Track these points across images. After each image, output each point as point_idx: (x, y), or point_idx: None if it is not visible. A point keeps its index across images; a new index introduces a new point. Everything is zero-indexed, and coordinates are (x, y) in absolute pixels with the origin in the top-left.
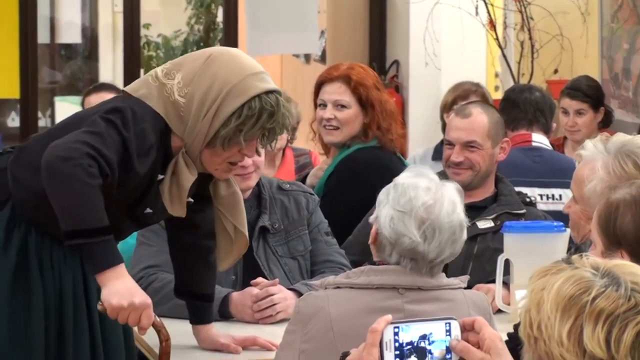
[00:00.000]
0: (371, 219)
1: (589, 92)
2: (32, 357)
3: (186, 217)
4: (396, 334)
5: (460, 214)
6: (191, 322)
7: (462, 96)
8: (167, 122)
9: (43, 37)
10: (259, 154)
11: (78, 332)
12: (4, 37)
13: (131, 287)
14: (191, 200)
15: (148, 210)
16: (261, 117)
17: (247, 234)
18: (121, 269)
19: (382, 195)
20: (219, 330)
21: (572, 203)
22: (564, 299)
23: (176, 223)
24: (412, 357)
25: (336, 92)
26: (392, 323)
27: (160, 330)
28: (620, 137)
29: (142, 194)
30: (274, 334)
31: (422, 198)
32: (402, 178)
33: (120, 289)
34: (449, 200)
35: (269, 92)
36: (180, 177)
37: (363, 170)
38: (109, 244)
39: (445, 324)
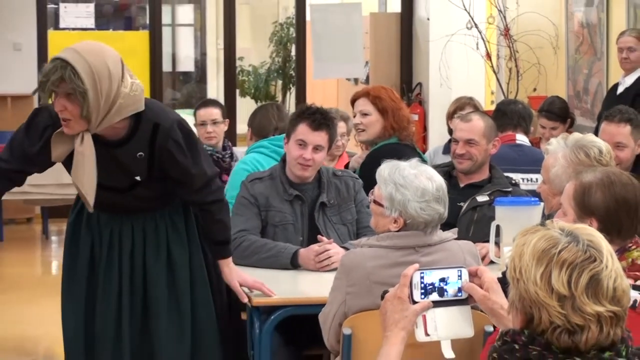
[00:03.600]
0: (394, 214)
1: (560, 114)
2: (77, 285)
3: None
4: (422, 277)
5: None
6: (215, 259)
7: (460, 107)
8: None
9: (166, 66)
10: (66, 113)
11: (111, 276)
12: (139, 66)
13: None
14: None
15: None
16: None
17: (83, 190)
18: None
19: (398, 196)
20: (288, 276)
21: (542, 184)
22: (538, 251)
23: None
24: (434, 294)
25: (360, 104)
26: (419, 270)
27: None
28: (576, 135)
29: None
30: (329, 278)
31: (426, 183)
32: (397, 177)
33: None
34: (433, 174)
35: (56, 58)
36: None
37: (383, 159)
38: None
39: (458, 270)
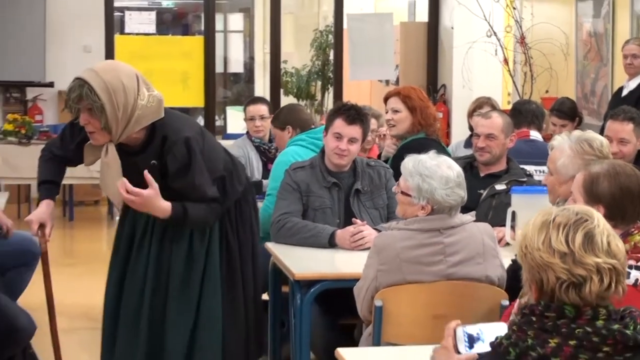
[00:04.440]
0: (422, 201)
1: (569, 113)
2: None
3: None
4: (464, 331)
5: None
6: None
7: (479, 106)
8: None
9: (219, 68)
10: (90, 126)
11: (140, 257)
12: (195, 67)
13: (40, 210)
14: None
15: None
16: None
17: (109, 195)
18: (44, 202)
19: (425, 185)
20: (326, 254)
21: (548, 176)
22: (537, 224)
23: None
24: (479, 342)
25: (392, 102)
26: (460, 325)
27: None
28: (577, 132)
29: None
30: (362, 256)
31: (448, 172)
32: (422, 169)
33: (36, 210)
34: (451, 162)
35: (77, 78)
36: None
37: (413, 153)
38: (39, 189)
39: (495, 325)
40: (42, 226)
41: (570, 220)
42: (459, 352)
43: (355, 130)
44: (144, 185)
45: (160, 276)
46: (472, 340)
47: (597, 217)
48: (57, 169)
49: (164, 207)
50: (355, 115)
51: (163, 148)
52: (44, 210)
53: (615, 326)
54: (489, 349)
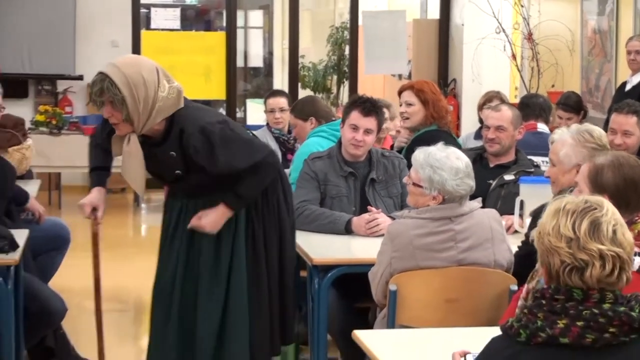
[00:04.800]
0: (433, 192)
1: (575, 106)
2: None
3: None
4: (474, 356)
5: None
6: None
7: (488, 99)
8: None
9: (240, 62)
10: (113, 118)
11: (173, 243)
12: (217, 62)
13: (92, 195)
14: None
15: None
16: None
17: (132, 184)
18: (96, 189)
19: (436, 177)
20: (343, 240)
21: (550, 167)
22: (551, 212)
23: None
24: None
25: (405, 95)
26: (470, 353)
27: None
28: (576, 125)
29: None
30: (377, 243)
31: (457, 163)
32: (432, 161)
33: (89, 195)
34: (459, 153)
35: (99, 73)
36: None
37: (425, 144)
38: (91, 175)
39: None
40: (94, 210)
41: (579, 207)
42: None
43: (370, 122)
44: (164, 174)
45: (190, 262)
46: None
47: (607, 207)
48: (104, 154)
49: (222, 211)
50: (371, 107)
51: (182, 141)
52: (95, 195)
53: (622, 308)
54: None
